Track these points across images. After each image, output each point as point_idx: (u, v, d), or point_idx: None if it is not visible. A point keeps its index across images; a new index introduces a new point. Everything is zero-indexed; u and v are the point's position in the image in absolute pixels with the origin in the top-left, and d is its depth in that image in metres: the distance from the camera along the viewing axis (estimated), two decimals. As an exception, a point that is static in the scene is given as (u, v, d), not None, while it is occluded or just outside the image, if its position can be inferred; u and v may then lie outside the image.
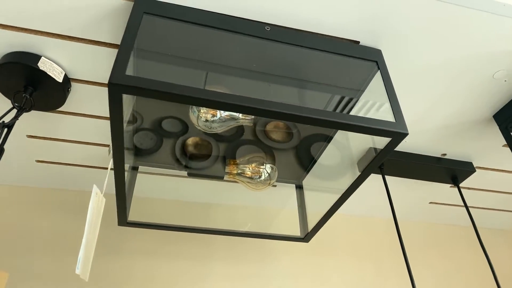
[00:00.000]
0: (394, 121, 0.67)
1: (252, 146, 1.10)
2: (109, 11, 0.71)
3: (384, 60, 0.78)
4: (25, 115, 0.92)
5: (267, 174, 0.94)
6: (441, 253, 1.42)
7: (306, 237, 1.03)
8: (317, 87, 0.83)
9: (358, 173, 1.14)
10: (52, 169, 1.12)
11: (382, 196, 1.25)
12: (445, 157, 1.12)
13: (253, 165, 0.94)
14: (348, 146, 1.06)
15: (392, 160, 1.09)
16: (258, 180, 0.94)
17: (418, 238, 1.42)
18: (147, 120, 0.97)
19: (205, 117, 0.77)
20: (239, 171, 0.93)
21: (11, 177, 1.15)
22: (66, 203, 1.17)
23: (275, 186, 1.26)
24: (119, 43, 0.76)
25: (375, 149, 1.06)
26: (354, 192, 0.83)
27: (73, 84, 0.85)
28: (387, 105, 0.71)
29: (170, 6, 0.69)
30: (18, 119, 0.78)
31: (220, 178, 0.95)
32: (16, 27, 0.75)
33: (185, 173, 1.07)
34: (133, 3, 0.69)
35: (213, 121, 0.78)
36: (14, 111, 0.79)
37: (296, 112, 0.61)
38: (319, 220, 0.94)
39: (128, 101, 0.84)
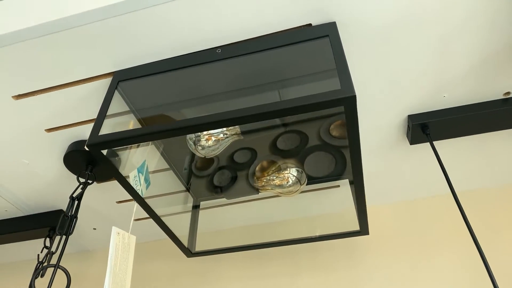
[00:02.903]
0: (340, 87, 0.64)
1: (320, 152, 1.12)
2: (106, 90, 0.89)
3: (338, 30, 0.75)
4: (103, 188, 1.18)
5: (294, 177, 0.95)
6: None
7: (362, 230, 0.97)
8: (292, 82, 0.84)
9: (409, 145, 1.05)
10: (147, 224, 1.35)
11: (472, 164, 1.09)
12: (511, 96, 0.93)
13: (278, 173, 0.97)
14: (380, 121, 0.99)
15: (442, 120, 0.95)
16: (288, 185, 0.96)
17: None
18: (222, 159, 1.09)
19: (201, 145, 0.86)
20: (266, 183, 0.97)
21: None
22: (166, 251, 1.37)
23: (338, 186, 1.22)
24: (128, 109, 0.94)
25: (410, 116, 0.97)
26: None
27: (119, 152, 1.06)
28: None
29: (137, 68, 0.84)
30: (84, 191, 1.01)
31: (254, 194, 1.00)
32: (68, 124, 1.00)
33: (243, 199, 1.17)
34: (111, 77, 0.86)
35: (209, 146, 0.86)
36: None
37: (234, 116, 0.66)
38: (357, 208, 0.89)
39: (151, 153, 1.00)
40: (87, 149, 0.98)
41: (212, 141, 0.85)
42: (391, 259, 1.14)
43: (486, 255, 0.85)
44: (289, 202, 1.24)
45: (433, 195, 1.22)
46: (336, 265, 1.20)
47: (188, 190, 1.14)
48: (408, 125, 0.99)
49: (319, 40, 0.75)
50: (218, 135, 0.86)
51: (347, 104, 0.63)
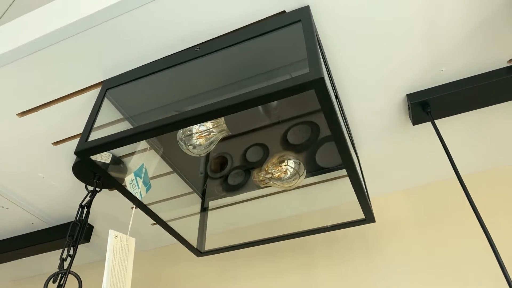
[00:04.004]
0: (308, 71, 0.62)
1: (332, 142, 1.10)
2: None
3: (311, 13, 0.73)
4: (117, 195, 1.21)
5: (292, 169, 0.94)
6: None
7: (367, 217, 0.94)
8: (277, 72, 0.83)
9: (413, 127, 1.00)
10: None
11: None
12: (516, 63, 0.86)
13: (276, 166, 0.96)
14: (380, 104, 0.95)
15: (443, 96, 0.90)
16: (286, 178, 0.95)
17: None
18: (236, 159, 1.08)
19: (192, 144, 0.86)
20: (264, 177, 0.96)
21: (143, 244, 1.47)
22: (185, 253, 1.39)
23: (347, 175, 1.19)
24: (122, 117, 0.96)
25: (409, 95, 0.93)
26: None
27: (124, 159, 1.10)
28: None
29: (123, 75, 0.86)
30: (93, 199, 1.04)
31: (255, 189, 0.99)
32: (72, 136, 1.04)
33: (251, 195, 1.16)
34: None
35: (200, 144, 0.87)
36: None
37: (206, 110, 0.66)
38: (357, 196, 0.86)
39: (152, 158, 1.02)
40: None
41: (203, 139, 0.86)
42: (406, 248, 1.09)
43: (499, 240, 0.79)
44: (298, 196, 1.22)
45: (447, 178, 1.16)
46: (351, 257, 1.16)
47: (195, 191, 1.15)
48: (408, 105, 0.95)
49: (296, 27, 0.73)
50: (204, 132, 0.86)
51: (316, 87, 0.62)
